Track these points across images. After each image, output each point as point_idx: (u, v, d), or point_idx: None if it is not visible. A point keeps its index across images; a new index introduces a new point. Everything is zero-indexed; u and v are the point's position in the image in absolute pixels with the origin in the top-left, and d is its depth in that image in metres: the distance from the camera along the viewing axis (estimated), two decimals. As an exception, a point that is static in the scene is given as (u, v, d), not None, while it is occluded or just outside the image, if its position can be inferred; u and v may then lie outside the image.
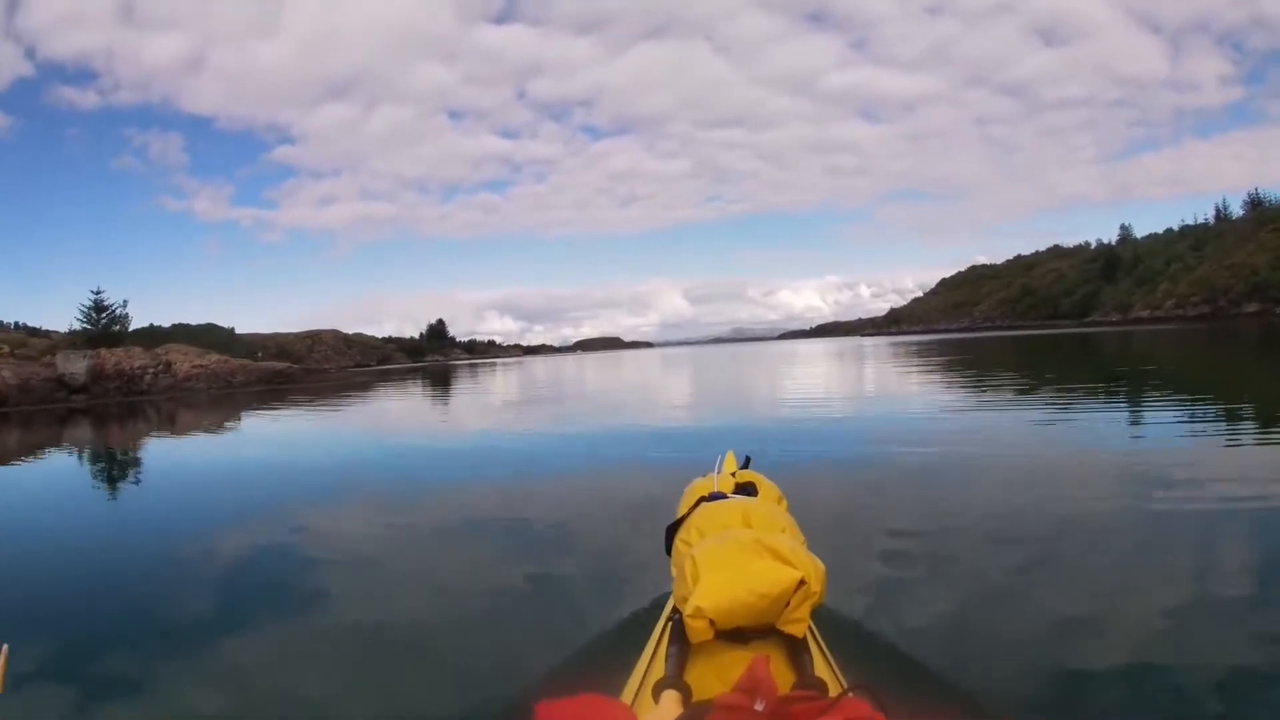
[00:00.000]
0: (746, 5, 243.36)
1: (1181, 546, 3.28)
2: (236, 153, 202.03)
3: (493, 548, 3.94)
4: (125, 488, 7.48)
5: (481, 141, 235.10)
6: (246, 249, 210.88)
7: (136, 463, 9.39)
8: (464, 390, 23.59)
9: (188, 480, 7.52)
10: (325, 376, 41.46)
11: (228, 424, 14.77)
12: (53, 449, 11.84)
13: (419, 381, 32.01)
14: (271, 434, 12.55)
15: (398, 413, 16.00)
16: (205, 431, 13.41)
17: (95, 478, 8.37)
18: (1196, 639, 2.33)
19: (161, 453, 10.40)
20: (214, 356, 32.29)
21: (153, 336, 58.56)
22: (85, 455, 10.61)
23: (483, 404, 17.18)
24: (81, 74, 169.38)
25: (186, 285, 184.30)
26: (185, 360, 30.13)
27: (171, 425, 15.45)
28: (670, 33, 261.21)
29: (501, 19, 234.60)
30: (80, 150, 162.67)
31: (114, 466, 9.13)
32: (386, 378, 39.67)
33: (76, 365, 26.43)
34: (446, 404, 17.99)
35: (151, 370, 28.34)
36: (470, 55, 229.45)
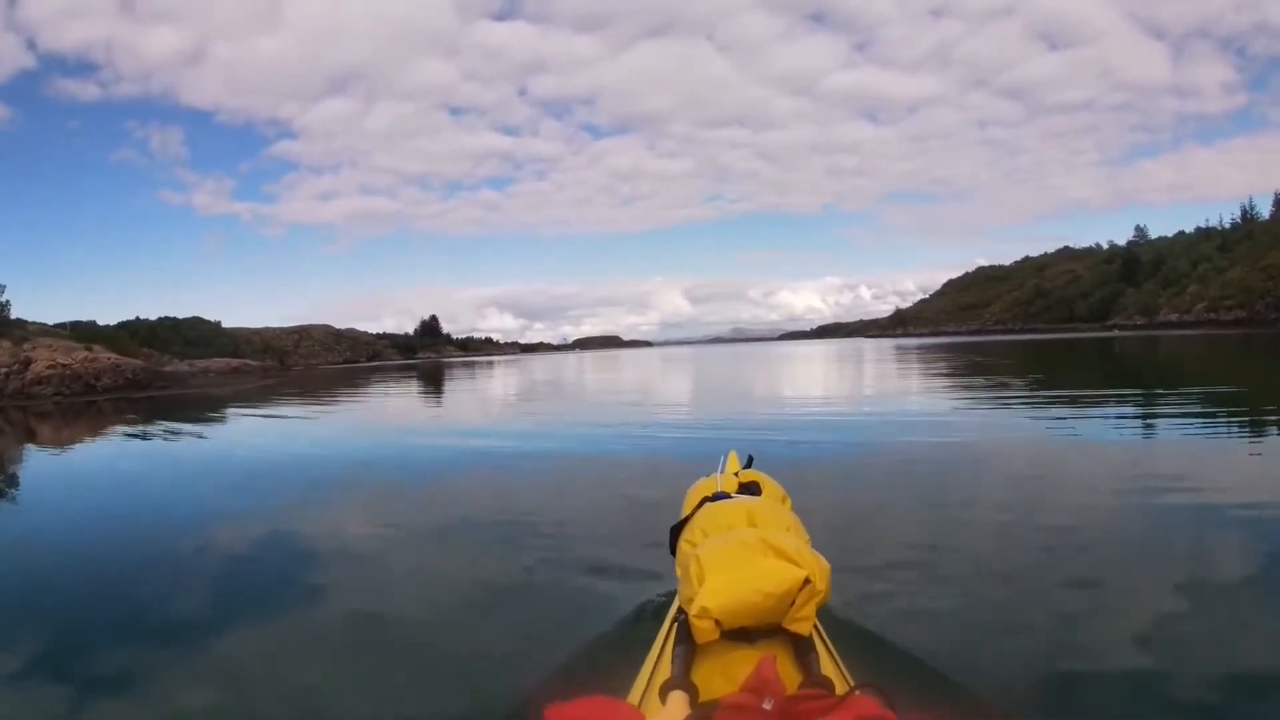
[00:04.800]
0: (749, 5, 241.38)
1: (1189, 548, 3.23)
2: (237, 146, 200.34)
3: (490, 546, 3.76)
4: (103, 484, 6.87)
5: (482, 138, 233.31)
6: (246, 243, 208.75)
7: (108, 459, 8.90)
8: (435, 393, 20.77)
9: (168, 476, 7.14)
10: (284, 375, 37.48)
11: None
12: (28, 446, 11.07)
13: (392, 382, 28.98)
14: (262, 427, 12.21)
15: (371, 413, 13.91)
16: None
17: (70, 475, 7.83)
18: (1202, 639, 2.31)
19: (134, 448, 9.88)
20: (82, 354, 27.39)
21: (135, 330, 56.11)
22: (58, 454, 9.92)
23: (459, 408, 15.27)
24: (82, 66, 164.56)
25: (184, 278, 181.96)
26: (45, 358, 25.76)
27: None
28: (672, 32, 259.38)
29: (503, 16, 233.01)
30: (81, 142, 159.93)
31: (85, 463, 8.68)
32: (364, 376, 36.74)
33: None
34: (420, 407, 15.49)
35: (4, 370, 24.33)
36: (471, 52, 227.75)
